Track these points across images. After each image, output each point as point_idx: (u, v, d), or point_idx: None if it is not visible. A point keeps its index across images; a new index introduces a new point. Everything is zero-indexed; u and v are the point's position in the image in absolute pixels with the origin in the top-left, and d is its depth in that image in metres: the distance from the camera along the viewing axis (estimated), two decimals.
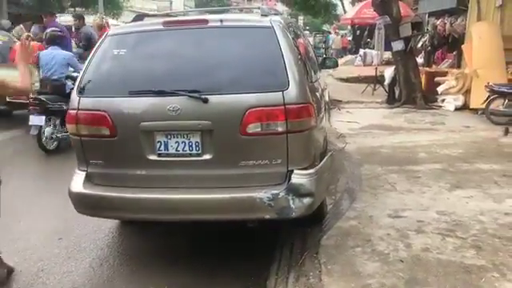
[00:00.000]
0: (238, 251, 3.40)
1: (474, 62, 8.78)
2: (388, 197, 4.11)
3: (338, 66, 5.52)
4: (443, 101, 9.27)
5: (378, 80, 11.02)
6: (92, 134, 3.01)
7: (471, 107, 8.60)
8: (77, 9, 23.50)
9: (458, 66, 10.06)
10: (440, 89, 9.33)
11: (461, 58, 10.04)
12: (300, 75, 2.89)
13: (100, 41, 3.22)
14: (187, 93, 2.81)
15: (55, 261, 3.36)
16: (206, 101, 2.79)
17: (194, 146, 2.90)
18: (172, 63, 3.01)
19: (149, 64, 3.04)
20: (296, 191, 2.81)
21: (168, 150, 2.93)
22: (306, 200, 2.83)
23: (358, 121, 7.76)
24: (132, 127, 2.92)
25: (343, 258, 3.04)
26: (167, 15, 3.89)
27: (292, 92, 2.78)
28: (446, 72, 9.79)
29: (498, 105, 7.69)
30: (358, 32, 24.76)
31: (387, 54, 16.63)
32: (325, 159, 3.15)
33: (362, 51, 18.32)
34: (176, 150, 2.92)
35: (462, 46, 9.48)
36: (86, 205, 3.08)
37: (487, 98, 7.76)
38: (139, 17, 3.48)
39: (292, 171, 2.87)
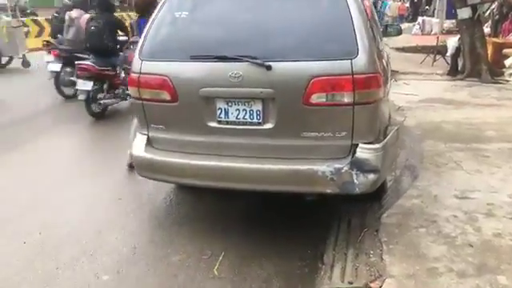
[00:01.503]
0: (294, 222, 3.35)
1: None
2: (453, 176, 3.85)
3: (401, 33, 5.17)
4: (511, 75, 8.59)
5: (438, 50, 10.37)
6: (153, 99, 2.98)
7: None
8: None
9: None
10: (508, 61, 8.64)
11: None
12: (370, 42, 2.68)
13: (161, 3, 3.13)
14: (250, 59, 2.69)
15: (115, 221, 3.45)
16: (269, 68, 2.66)
17: (255, 114, 2.81)
18: (235, 27, 2.88)
19: (211, 28, 2.93)
20: (360, 166, 2.67)
21: (228, 118, 2.86)
22: (371, 176, 2.68)
23: (417, 93, 7.33)
24: (192, 93, 2.85)
25: (406, 239, 2.89)
26: None
27: (361, 60, 2.59)
28: None
29: None
30: None
31: (448, 23, 15.66)
32: (391, 133, 2.96)
33: (420, 19, 17.29)
34: (236, 118, 2.84)
35: None
36: (146, 168, 3.10)
37: None
38: None
39: (357, 145, 2.72)
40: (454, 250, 2.74)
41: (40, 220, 3.50)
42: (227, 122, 2.87)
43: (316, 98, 2.64)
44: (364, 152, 2.68)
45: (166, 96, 2.92)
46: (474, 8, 8.59)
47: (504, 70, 8.72)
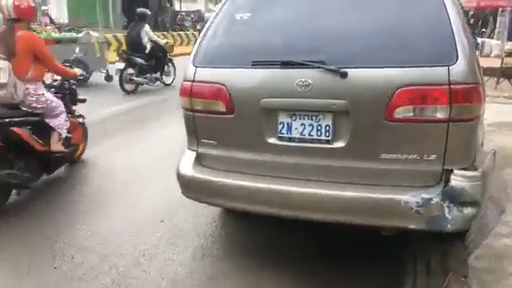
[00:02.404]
0: (361, 262, 2.84)
1: None
2: None
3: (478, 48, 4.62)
4: None
5: (502, 72, 9.58)
6: (206, 110, 2.64)
7: None
8: None
9: None
10: None
11: None
12: (470, 45, 2.22)
13: (221, 3, 2.82)
14: (321, 64, 2.30)
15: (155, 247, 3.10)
16: (344, 75, 2.25)
17: (323, 130, 2.39)
18: (303, 29, 2.50)
19: (276, 30, 2.58)
20: (455, 197, 2.17)
21: (291, 134, 2.46)
22: (467, 210, 2.18)
23: (485, 116, 6.65)
24: (251, 104, 2.48)
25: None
26: None
27: (461, 67, 2.13)
28: None
29: None
30: (471, 20, 22.29)
31: (510, 44, 14.70)
32: (488, 158, 2.44)
33: (479, 40, 16.39)
34: (301, 134, 2.44)
35: None
36: (193, 189, 2.74)
37: None
38: None
39: (449, 171, 2.23)
40: None
41: None
42: (290, 139, 2.47)
43: (401, 113, 2.20)
44: (460, 180, 2.18)
45: (221, 107, 2.56)
46: None
47: None
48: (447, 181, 2.21)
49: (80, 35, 10.68)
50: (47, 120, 3.99)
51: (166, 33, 20.50)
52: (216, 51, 2.66)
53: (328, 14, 2.49)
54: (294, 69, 2.37)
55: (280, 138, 2.48)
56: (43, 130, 3.99)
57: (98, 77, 10.19)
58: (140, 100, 8.75)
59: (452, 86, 2.12)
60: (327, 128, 2.38)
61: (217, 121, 2.62)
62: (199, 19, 27.47)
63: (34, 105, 3.86)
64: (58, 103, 4.09)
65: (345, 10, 2.47)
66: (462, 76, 2.13)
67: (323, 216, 2.41)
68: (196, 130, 2.72)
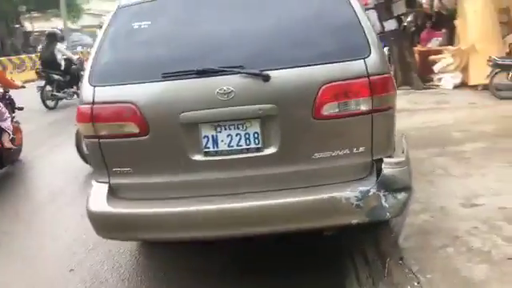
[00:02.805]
0: (296, 266, 2.77)
1: (469, 37, 8.49)
2: (447, 183, 3.59)
3: None
4: (440, 79, 8.95)
5: None
6: (115, 134, 2.31)
7: (470, 84, 8.31)
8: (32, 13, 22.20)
9: (450, 44, 9.75)
10: (436, 67, 9.01)
11: (451, 34, 9.74)
12: (377, 38, 2.30)
13: (110, 15, 2.50)
14: (241, 69, 2.16)
15: None
16: (267, 78, 2.15)
17: (251, 138, 2.26)
18: (214, 33, 2.33)
19: (183, 36, 2.36)
20: (389, 185, 2.21)
21: (218, 147, 2.27)
22: (401, 196, 2.24)
23: None
24: (169, 120, 2.24)
25: (438, 263, 2.48)
26: None
27: (375, 59, 2.19)
28: (440, 50, 9.48)
29: (502, 79, 7.40)
30: None
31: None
32: (404, 143, 2.56)
33: None
34: (228, 146, 2.27)
35: (455, 22, 9.15)
36: (113, 227, 2.37)
37: (491, 73, 7.45)
38: None
39: (378, 161, 2.27)
40: (496, 267, 2.38)
41: None
42: (216, 153, 2.28)
43: (328, 109, 2.17)
44: (390, 167, 2.24)
45: (133, 128, 2.26)
46: (399, 19, 8.90)
47: (432, 75, 9.07)
48: (378, 170, 2.25)
49: None
50: None
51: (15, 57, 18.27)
52: (117, 66, 2.35)
53: (239, 16, 2.36)
54: (212, 77, 2.19)
55: (206, 154, 2.28)
56: None
57: None
58: (61, 114, 9.13)
59: (371, 78, 2.16)
60: (256, 135, 2.25)
61: (129, 144, 2.31)
62: (59, 39, 25.34)
63: None
64: (4, 109, 5.13)
65: (254, 11, 2.37)
66: (377, 67, 2.18)
67: (265, 228, 2.28)
68: (105, 159, 2.36)
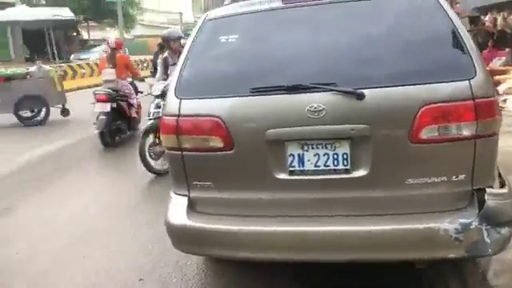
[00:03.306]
0: None
1: None
2: None
3: None
4: (505, 101, 8.48)
5: None
6: (198, 148, 2.26)
7: None
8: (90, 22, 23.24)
9: None
10: (501, 88, 8.56)
11: None
12: (481, 58, 2.13)
13: (197, 28, 2.48)
14: (334, 87, 2.06)
15: None
16: (361, 97, 2.03)
17: (340, 159, 2.14)
18: (304, 49, 2.25)
19: (273, 51, 2.29)
20: (493, 219, 2.02)
21: (303, 166, 2.17)
22: (505, 231, 2.04)
23: None
24: (254, 136, 2.16)
25: None
26: None
27: (480, 80, 2.02)
28: (505, 70, 9.02)
29: None
30: None
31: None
32: (501, 174, 2.35)
33: None
34: (315, 166, 2.16)
35: None
36: (190, 240, 2.32)
37: None
38: None
39: (479, 191, 2.09)
40: None
41: None
42: (302, 172, 2.18)
43: (427, 132, 2.02)
44: (494, 199, 2.05)
45: (218, 143, 2.21)
46: None
47: (497, 97, 8.63)
48: (480, 201, 2.06)
49: (32, 69, 9.52)
50: (129, 100, 7.24)
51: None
52: (204, 79, 2.31)
53: (331, 31, 2.27)
54: (302, 93, 2.10)
55: (291, 173, 2.19)
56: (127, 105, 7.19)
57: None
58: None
59: (476, 101, 2.00)
60: (345, 156, 2.13)
61: (212, 159, 2.25)
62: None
63: (125, 91, 7.19)
64: (132, 91, 7.36)
65: (347, 28, 2.27)
66: (483, 89, 2.02)
67: (352, 256, 2.14)
68: (186, 172, 2.32)
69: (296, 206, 2.21)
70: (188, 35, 6.19)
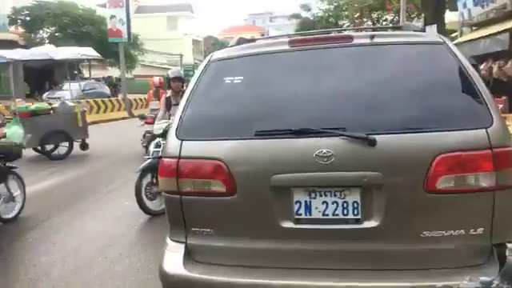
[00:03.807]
0: None
1: None
2: None
3: None
4: None
5: None
6: (199, 191, 2.13)
7: None
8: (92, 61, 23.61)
9: (511, 111, 9.32)
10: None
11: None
12: (497, 107, 2.06)
13: (201, 68, 2.42)
14: (344, 131, 1.97)
15: None
16: (373, 143, 1.93)
17: (350, 207, 2.01)
18: (313, 93, 2.17)
19: (278, 94, 2.21)
20: None
21: (311, 215, 2.04)
22: None
23: None
24: (259, 182, 2.05)
25: None
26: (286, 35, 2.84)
27: (498, 129, 1.94)
28: (504, 117, 9.05)
29: None
30: None
31: None
32: None
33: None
34: (323, 215, 2.03)
35: None
36: None
37: None
38: (244, 40, 2.66)
39: (499, 246, 1.96)
40: None
41: None
42: (309, 221, 2.04)
43: (443, 182, 1.91)
44: None
45: (220, 187, 2.08)
46: None
47: None
48: (500, 257, 1.92)
49: (55, 105, 9.70)
50: None
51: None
52: (207, 121, 2.22)
53: (341, 75, 2.20)
54: (310, 138, 2.00)
55: (297, 221, 2.05)
56: None
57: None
58: None
59: (494, 150, 1.90)
60: (355, 205, 2.00)
61: (213, 204, 2.12)
62: (110, 85, 26.75)
63: None
64: None
65: (364, 69, 2.21)
66: (501, 138, 1.93)
67: None
68: (184, 217, 2.18)
69: (302, 258, 2.06)
70: (188, 76, 6.42)
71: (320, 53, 2.28)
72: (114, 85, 27.47)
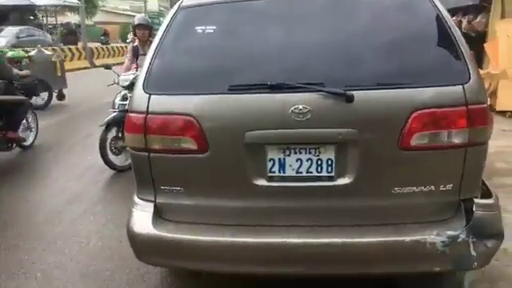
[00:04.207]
0: None
1: (500, 61, 8.24)
2: (505, 220, 3.28)
3: None
4: None
5: None
6: (168, 149, 2.04)
7: (498, 109, 8.03)
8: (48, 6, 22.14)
9: (478, 67, 9.52)
10: None
11: (480, 57, 9.49)
12: (475, 62, 2.04)
13: (170, 16, 2.24)
14: (322, 87, 1.89)
15: None
16: (350, 99, 1.88)
17: (324, 165, 1.98)
18: (290, 46, 2.06)
19: (254, 46, 2.09)
20: (481, 231, 1.94)
21: (284, 172, 2.00)
22: (491, 243, 1.96)
23: None
24: (232, 139, 1.97)
25: None
26: None
27: (474, 86, 1.92)
28: None
29: None
30: None
31: None
32: (487, 183, 2.28)
33: None
34: (297, 172, 2.00)
35: (485, 45, 8.91)
36: (156, 251, 2.10)
37: None
38: None
39: (466, 201, 2.00)
40: None
41: None
42: (282, 179, 2.01)
43: (417, 139, 1.90)
44: (483, 211, 1.96)
45: (190, 144, 2.00)
46: None
47: None
48: (467, 212, 1.97)
49: (32, 53, 9.16)
50: None
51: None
52: (177, 74, 2.09)
53: (320, 29, 2.09)
54: (286, 93, 1.92)
55: (270, 179, 2.01)
56: None
57: None
58: None
59: (469, 107, 1.89)
60: (329, 162, 1.98)
61: (184, 162, 2.04)
62: (70, 33, 25.24)
63: None
64: None
65: (343, 22, 2.11)
66: (477, 95, 1.92)
67: (333, 269, 2.00)
68: (153, 175, 2.09)
69: (275, 215, 2.04)
70: (154, 24, 5.85)
71: (300, 2, 2.16)
72: (74, 32, 25.96)
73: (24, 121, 5.72)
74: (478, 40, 9.96)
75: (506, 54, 8.16)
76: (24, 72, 6.17)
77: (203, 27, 2.16)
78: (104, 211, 3.85)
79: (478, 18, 9.60)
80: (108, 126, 4.69)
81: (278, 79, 1.92)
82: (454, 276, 2.61)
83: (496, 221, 1.99)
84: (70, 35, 24.62)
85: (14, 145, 5.51)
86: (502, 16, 8.82)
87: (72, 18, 29.06)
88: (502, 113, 7.78)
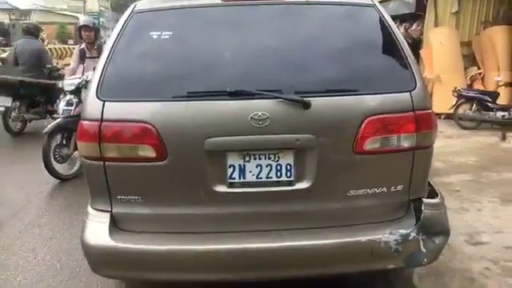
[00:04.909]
0: None
1: (434, 67, 8.81)
2: None
3: None
4: None
5: None
6: (125, 158, 1.98)
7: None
8: None
9: None
10: None
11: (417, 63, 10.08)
12: (419, 70, 2.17)
13: (123, 19, 2.18)
14: (280, 94, 1.93)
15: None
16: (307, 105, 1.93)
17: (283, 170, 2.02)
18: (248, 52, 2.08)
19: (213, 53, 2.09)
20: (429, 229, 2.06)
21: (245, 178, 2.02)
22: (439, 240, 2.09)
23: None
24: (192, 146, 1.96)
25: None
26: None
27: (420, 93, 2.05)
28: None
29: (465, 110, 7.73)
30: None
31: None
32: (432, 183, 2.43)
33: None
34: (257, 178, 2.02)
35: (420, 51, 9.48)
36: (115, 265, 2.03)
37: (455, 103, 7.76)
38: None
39: (415, 201, 2.12)
40: None
41: None
42: (243, 185, 2.02)
43: (370, 143, 1.99)
44: (431, 209, 2.09)
45: (148, 152, 1.96)
46: None
47: None
48: (416, 211, 2.09)
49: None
50: None
51: None
52: (133, 80, 2.04)
53: (278, 37, 2.12)
54: (246, 100, 1.94)
55: (231, 185, 2.02)
56: None
57: None
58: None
59: (416, 113, 2.01)
60: (288, 167, 2.02)
61: (142, 170, 2.00)
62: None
63: None
64: None
65: (299, 30, 2.15)
66: (422, 102, 2.05)
67: (294, 272, 2.04)
68: (109, 185, 2.02)
69: (236, 221, 2.05)
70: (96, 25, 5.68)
71: (253, 9, 2.19)
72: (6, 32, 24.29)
73: None
74: (414, 46, 10.58)
75: (439, 60, 8.73)
76: None
77: (158, 32, 2.11)
78: (50, 223, 3.65)
79: (414, 26, 10.19)
80: (51, 134, 4.45)
81: (237, 86, 1.93)
82: (403, 271, 2.75)
83: (443, 218, 2.12)
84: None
85: (48, 115, 6.64)
86: (436, 24, 9.42)
87: (4, 17, 27.25)
88: (437, 115, 8.30)
